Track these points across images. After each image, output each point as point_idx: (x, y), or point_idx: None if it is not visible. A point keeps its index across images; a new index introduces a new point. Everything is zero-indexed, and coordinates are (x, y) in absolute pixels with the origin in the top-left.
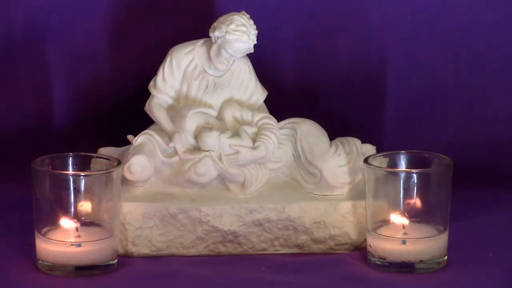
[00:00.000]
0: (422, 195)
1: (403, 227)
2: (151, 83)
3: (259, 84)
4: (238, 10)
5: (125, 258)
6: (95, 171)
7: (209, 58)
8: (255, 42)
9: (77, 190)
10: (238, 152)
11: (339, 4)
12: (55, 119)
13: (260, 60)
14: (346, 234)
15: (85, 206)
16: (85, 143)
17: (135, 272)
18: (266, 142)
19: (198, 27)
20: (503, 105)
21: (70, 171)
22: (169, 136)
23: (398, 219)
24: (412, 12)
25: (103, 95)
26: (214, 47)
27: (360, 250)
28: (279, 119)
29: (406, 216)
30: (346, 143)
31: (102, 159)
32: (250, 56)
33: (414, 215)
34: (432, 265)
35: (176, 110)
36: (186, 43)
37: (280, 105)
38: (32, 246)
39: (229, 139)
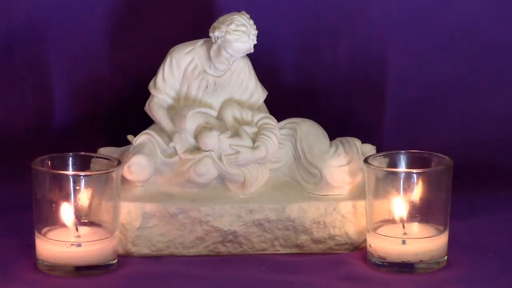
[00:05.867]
0: (422, 195)
1: (403, 227)
2: (151, 83)
3: (259, 84)
4: (238, 10)
5: (125, 258)
6: (95, 171)
7: (209, 58)
8: (255, 42)
9: (77, 190)
10: (238, 152)
11: (339, 3)
12: (55, 118)
13: (260, 60)
14: (346, 234)
15: (85, 206)
16: (85, 143)
17: (135, 272)
18: (266, 142)
19: (198, 27)
20: (502, 105)
21: (70, 171)
22: (169, 136)
23: (398, 219)
24: (412, 12)
25: (103, 95)
26: (214, 47)
27: (360, 250)
28: (279, 119)
29: (406, 216)
30: (346, 143)
31: (102, 159)
32: (250, 56)
33: (414, 215)
34: (432, 265)
35: (176, 110)
36: (186, 43)
37: (280, 105)
38: (32, 246)
39: (229, 139)
